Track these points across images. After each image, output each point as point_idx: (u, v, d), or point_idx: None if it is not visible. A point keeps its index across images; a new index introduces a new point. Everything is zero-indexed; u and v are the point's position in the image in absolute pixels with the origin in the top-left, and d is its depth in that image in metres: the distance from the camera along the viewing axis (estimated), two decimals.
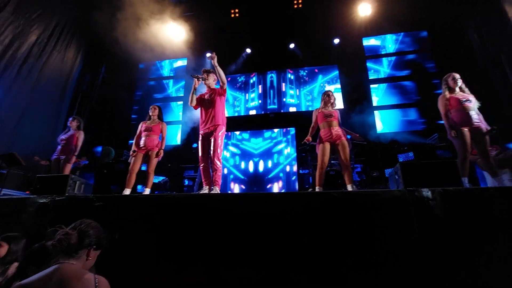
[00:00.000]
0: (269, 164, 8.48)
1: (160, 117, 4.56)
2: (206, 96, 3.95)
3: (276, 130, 8.94)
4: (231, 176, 8.59)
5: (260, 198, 2.66)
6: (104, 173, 5.93)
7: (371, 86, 8.66)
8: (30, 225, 2.82)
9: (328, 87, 8.84)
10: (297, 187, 7.85)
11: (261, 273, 2.29)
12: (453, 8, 7.67)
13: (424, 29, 8.67)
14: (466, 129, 3.47)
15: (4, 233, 2.40)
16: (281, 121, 8.94)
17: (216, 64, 3.73)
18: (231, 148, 8.97)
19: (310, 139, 4.02)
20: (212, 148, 3.63)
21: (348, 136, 4.05)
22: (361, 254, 2.24)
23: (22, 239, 2.42)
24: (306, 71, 9.42)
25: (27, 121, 6.75)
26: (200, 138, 3.84)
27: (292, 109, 9.11)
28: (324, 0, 8.34)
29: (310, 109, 8.81)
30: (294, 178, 8.12)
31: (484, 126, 3.50)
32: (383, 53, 8.95)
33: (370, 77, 8.73)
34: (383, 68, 8.79)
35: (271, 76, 9.63)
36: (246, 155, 8.77)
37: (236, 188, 8.45)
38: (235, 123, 8.96)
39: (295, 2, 8.32)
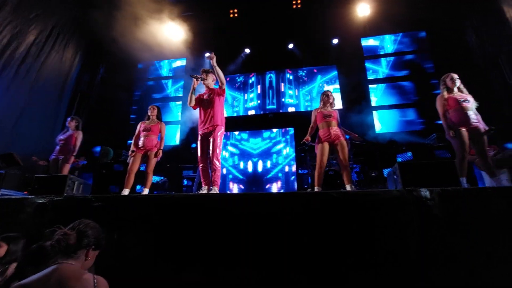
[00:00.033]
0: (268, 164, 8.49)
1: (159, 117, 4.56)
2: (205, 96, 3.95)
3: (275, 130, 8.95)
4: (230, 176, 8.60)
5: (259, 198, 2.66)
6: (102, 173, 5.91)
7: (370, 86, 8.67)
8: (30, 225, 2.81)
9: (327, 87, 8.85)
10: (295, 187, 7.86)
11: (261, 273, 2.29)
12: (451, 8, 7.69)
13: (422, 29, 8.69)
14: (464, 129, 3.48)
15: (3, 233, 2.40)
16: (280, 121, 8.95)
17: (215, 64, 3.73)
18: (230, 148, 8.97)
19: (309, 139, 4.03)
20: (211, 148, 3.63)
21: (347, 136, 4.05)
22: (361, 254, 2.24)
23: (21, 239, 2.41)
24: (305, 71, 9.43)
25: (25, 121, 6.73)
26: (199, 138, 3.83)
27: (291, 109, 9.12)
28: (323, 1, 8.35)
29: (309, 109, 8.81)
30: (293, 178, 8.13)
31: (482, 126, 3.51)
32: (381, 53, 8.97)
33: (369, 78, 8.75)
34: (381, 69, 8.81)
35: (270, 76, 9.63)
36: (245, 155, 8.77)
37: (235, 188, 8.45)
38: (234, 123, 8.96)
39: (294, 2, 8.34)
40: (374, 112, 8.35)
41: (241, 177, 8.49)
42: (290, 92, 9.32)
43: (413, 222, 2.24)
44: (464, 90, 3.76)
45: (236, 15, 8.61)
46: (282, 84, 9.45)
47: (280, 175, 8.28)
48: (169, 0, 7.98)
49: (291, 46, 9.31)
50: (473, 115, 3.55)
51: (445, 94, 3.75)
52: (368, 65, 8.91)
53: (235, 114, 9.45)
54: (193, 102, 3.87)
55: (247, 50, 9.56)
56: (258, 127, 9.07)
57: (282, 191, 7.83)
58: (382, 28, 8.48)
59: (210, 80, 4.00)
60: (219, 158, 3.63)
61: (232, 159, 8.79)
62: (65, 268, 1.36)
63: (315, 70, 9.35)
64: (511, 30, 6.12)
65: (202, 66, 8.05)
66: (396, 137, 7.47)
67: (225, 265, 2.37)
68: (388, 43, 9.00)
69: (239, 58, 9.64)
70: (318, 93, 8.85)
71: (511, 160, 4.39)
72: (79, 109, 8.65)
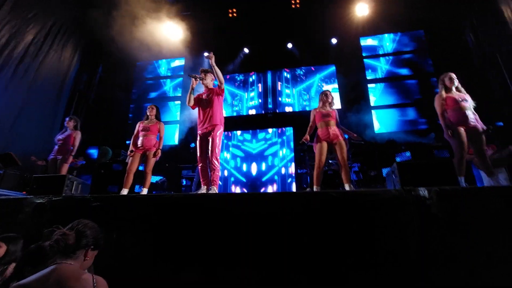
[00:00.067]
0: (263, 167, 8.47)
1: (158, 117, 4.55)
2: (203, 96, 3.95)
3: (270, 130, 8.93)
4: (227, 175, 8.59)
5: (259, 198, 2.66)
6: (101, 173, 5.90)
7: (369, 85, 8.69)
8: (29, 225, 2.81)
9: (325, 87, 8.86)
10: (292, 189, 7.86)
11: (261, 273, 2.29)
12: (450, 8, 7.71)
13: (421, 29, 8.71)
14: (462, 129, 3.49)
15: (2, 233, 2.39)
16: (278, 121, 8.95)
17: (214, 63, 3.73)
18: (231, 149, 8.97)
19: (308, 139, 4.03)
20: (210, 148, 3.63)
21: (346, 136, 4.06)
22: (361, 254, 2.25)
23: (20, 239, 2.40)
24: (303, 70, 9.44)
25: (23, 120, 6.70)
26: (198, 138, 3.84)
27: (289, 109, 9.12)
28: (322, 0, 8.35)
29: (307, 109, 8.82)
30: (289, 180, 8.12)
31: (480, 125, 3.52)
32: (380, 53, 8.98)
33: (368, 77, 8.76)
34: (380, 64, 8.82)
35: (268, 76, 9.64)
36: (242, 156, 8.77)
37: (233, 188, 8.45)
38: (233, 123, 8.94)
39: (293, 2, 8.32)
40: (373, 112, 8.36)
41: (242, 179, 8.48)
42: (287, 91, 9.32)
43: (413, 222, 2.24)
44: (462, 89, 3.77)
45: (234, 14, 8.59)
46: (279, 83, 9.44)
47: (276, 177, 8.27)
48: (167, 0, 7.97)
49: (290, 46, 9.32)
50: (471, 115, 3.56)
51: (444, 93, 3.76)
52: (367, 61, 8.93)
53: (235, 114, 9.44)
54: (192, 102, 3.87)
55: (246, 50, 9.56)
56: (258, 127, 9.06)
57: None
58: (381, 27, 8.50)
59: (209, 80, 4.00)
60: (218, 158, 3.63)
61: (234, 161, 8.79)
62: (64, 268, 1.35)
63: (313, 69, 9.35)
64: (509, 30, 6.13)
65: (201, 66, 8.04)
66: (395, 136, 7.48)
67: (225, 265, 2.36)
68: (386, 42, 9.02)
69: (238, 58, 9.64)
70: (316, 92, 8.86)
71: (509, 160, 4.41)
72: (77, 109, 8.62)
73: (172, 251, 2.49)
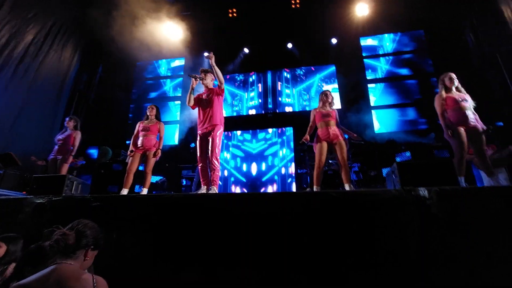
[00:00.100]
0: (263, 167, 8.47)
1: (158, 117, 4.55)
2: (203, 96, 3.95)
3: (270, 130, 8.92)
4: (227, 175, 8.59)
5: (259, 198, 2.66)
6: (101, 173, 5.90)
7: (369, 85, 8.69)
8: (30, 225, 2.81)
9: (325, 87, 8.86)
10: (292, 189, 7.86)
11: (261, 273, 2.29)
12: (450, 8, 7.71)
13: (421, 29, 8.71)
14: (462, 129, 3.49)
15: (3, 233, 2.39)
16: (278, 121, 8.94)
17: (214, 63, 3.73)
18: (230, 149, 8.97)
19: (308, 139, 4.02)
20: (210, 148, 3.63)
21: (346, 136, 4.06)
22: (361, 254, 2.24)
23: (20, 239, 2.40)
24: (303, 70, 9.44)
25: (23, 120, 6.70)
26: (198, 138, 3.84)
27: (289, 109, 9.12)
28: (322, 0, 8.35)
29: (307, 109, 8.83)
30: (289, 180, 8.12)
31: (480, 125, 3.53)
32: (380, 53, 8.99)
33: (368, 77, 8.76)
34: (380, 64, 8.82)
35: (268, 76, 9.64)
36: (246, 156, 8.77)
37: (233, 188, 8.45)
38: (233, 123, 8.94)
39: (293, 2, 8.32)
40: (373, 112, 8.36)
41: (242, 179, 8.48)
42: (287, 91, 9.32)
43: (413, 222, 2.24)
44: (462, 89, 3.78)
45: (234, 14, 8.59)
46: (279, 83, 9.44)
47: (276, 177, 8.26)
48: (167, 0, 7.97)
49: (290, 45, 9.32)
50: (471, 115, 3.56)
51: (444, 93, 3.76)
52: (367, 61, 8.92)
53: (235, 114, 9.44)
54: (192, 102, 3.87)
55: (246, 50, 9.56)
56: (258, 127, 9.05)
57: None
58: (381, 27, 8.50)
59: (209, 80, 4.00)
60: (218, 158, 3.64)
61: (234, 161, 8.79)
62: (64, 268, 1.35)
63: (313, 69, 9.35)
64: (509, 30, 6.14)
65: (200, 66, 8.04)
66: (394, 136, 7.48)
67: (224, 265, 2.36)
68: (387, 42, 9.02)
69: (238, 58, 9.64)
70: (316, 92, 8.86)
71: (509, 160, 4.41)
72: (77, 109, 8.62)
73: (172, 251, 2.49)
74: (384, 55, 8.91)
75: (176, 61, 10.21)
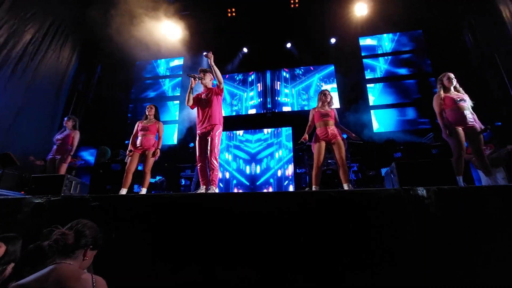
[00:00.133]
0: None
1: (157, 117, 4.55)
2: (203, 96, 3.95)
3: (267, 131, 8.91)
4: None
5: (257, 197, 2.66)
6: (100, 173, 5.90)
7: (368, 85, 8.70)
8: (29, 225, 2.80)
9: (324, 87, 8.86)
10: (290, 188, 7.86)
11: (260, 273, 2.29)
12: (448, 8, 7.73)
13: (419, 29, 8.73)
14: (460, 128, 3.50)
15: (2, 233, 2.38)
16: (277, 121, 8.94)
17: (213, 63, 3.73)
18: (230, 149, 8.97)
19: (307, 138, 4.03)
20: (209, 147, 3.64)
21: (344, 135, 4.07)
22: (357, 253, 2.25)
23: (19, 239, 2.40)
24: (302, 70, 9.44)
25: (22, 120, 6.69)
26: (197, 138, 3.84)
27: (287, 109, 9.11)
28: (321, 0, 8.35)
29: (306, 108, 8.83)
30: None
31: (478, 125, 3.54)
32: (379, 52, 9.00)
33: (367, 77, 8.77)
34: (379, 64, 8.83)
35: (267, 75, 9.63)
36: (245, 156, 8.77)
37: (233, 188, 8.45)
38: (232, 123, 8.93)
39: (292, 2, 8.32)
40: (372, 111, 8.37)
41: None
42: (286, 91, 9.32)
43: (411, 221, 2.25)
44: (461, 89, 3.79)
45: (234, 14, 8.59)
46: (278, 82, 9.44)
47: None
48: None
49: (289, 45, 9.32)
50: (470, 115, 3.58)
51: (442, 93, 3.77)
52: (366, 61, 8.94)
53: (234, 113, 9.43)
54: (191, 102, 3.87)
55: (245, 50, 9.56)
56: (257, 126, 9.04)
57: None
58: (380, 27, 8.51)
59: (208, 80, 4.01)
60: (217, 157, 3.64)
61: (236, 162, 8.78)
62: (63, 268, 1.36)
63: (312, 68, 9.36)
64: (508, 30, 6.15)
65: (200, 65, 8.04)
66: (393, 136, 7.50)
67: (223, 265, 2.37)
68: (385, 42, 9.03)
69: (237, 58, 9.64)
70: (315, 92, 8.86)
71: (507, 159, 4.43)
72: (76, 109, 8.60)
73: (171, 251, 2.49)
74: (383, 55, 8.92)
75: (175, 60, 10.20)
